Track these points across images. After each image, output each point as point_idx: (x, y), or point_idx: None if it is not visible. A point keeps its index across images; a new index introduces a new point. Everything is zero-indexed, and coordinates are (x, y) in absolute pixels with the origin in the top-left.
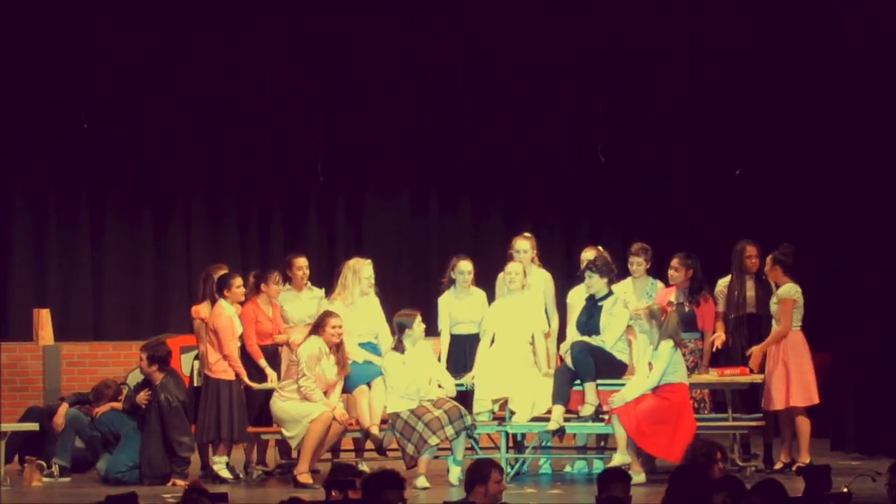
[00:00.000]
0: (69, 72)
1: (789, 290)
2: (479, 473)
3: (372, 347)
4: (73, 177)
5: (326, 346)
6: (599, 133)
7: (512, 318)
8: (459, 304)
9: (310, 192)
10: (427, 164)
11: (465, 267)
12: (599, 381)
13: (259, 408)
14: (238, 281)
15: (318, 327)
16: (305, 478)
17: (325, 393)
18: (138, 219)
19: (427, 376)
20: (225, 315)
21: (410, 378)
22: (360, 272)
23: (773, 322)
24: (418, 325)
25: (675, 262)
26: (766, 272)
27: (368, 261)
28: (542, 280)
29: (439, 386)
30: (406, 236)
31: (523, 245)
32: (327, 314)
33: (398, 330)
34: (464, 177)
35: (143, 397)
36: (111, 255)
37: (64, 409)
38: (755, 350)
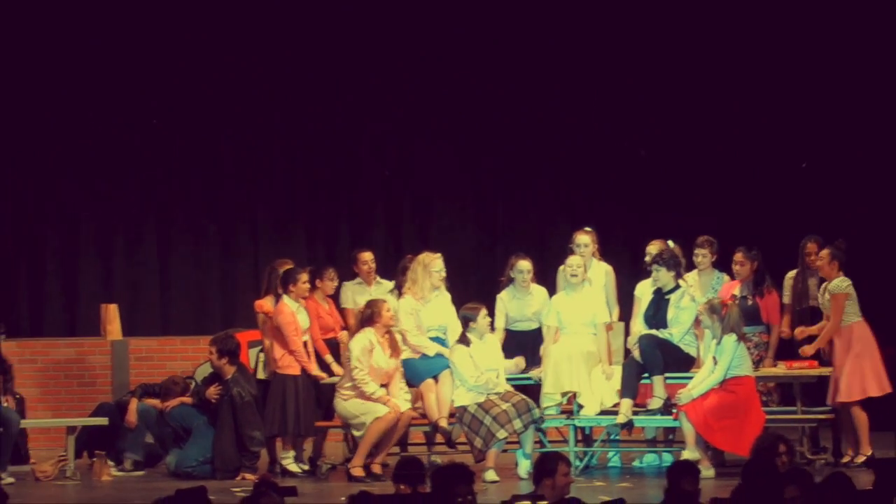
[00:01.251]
0: (139, 71)
1: (840, 285)
2: (547, 467)
3: (440, 342)
4: (141, 173)
5: (378, 335)
6: (641, 126)
7: (575, 311)
8: (517, 303)
9: (377, 189)
10: (491, 160)
11: (523, 266)
12: (667, 375)
13: (327, 402)
14: (304, 276)
15: (370, 319)
16: (358, 471)
17: (386, 385)
18: (205, 214)
19: (495, 369)
20: (287, 311)
21: (479, 371)
22: (430, 266)
23: (824, 317)
24: (483, 319)
25: (738, 256)
26: (819, 265)
27: (438, 255)
28: (603, 273)
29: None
30: (471, 234)
31: (584, 239)
32: (374, 303)
33: (462, 323)
34: (528, 173)
35: (213, 392)
36: (178, 251)
37: (135, 405)
38: (807, 349)
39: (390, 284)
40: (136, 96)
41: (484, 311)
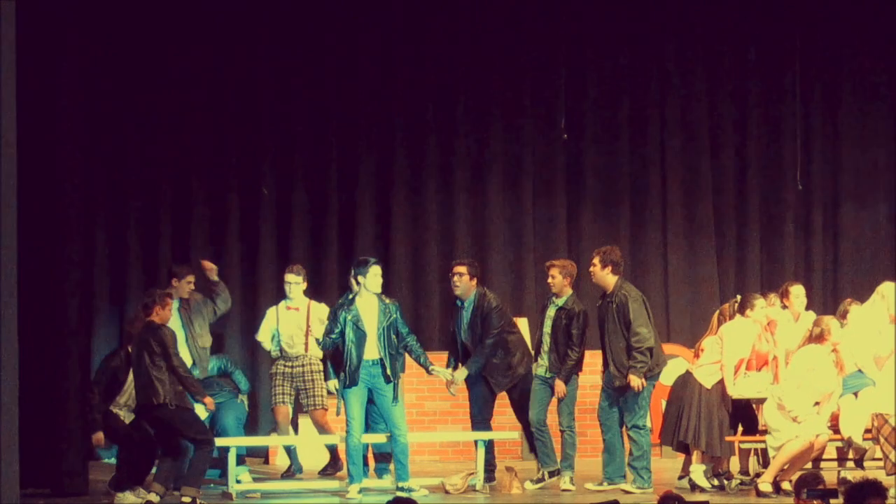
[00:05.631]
0: None
1: None
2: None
3: None
4: None
5: (825, 354)
6: None
7: None
8: None
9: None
10: None
11: None
12: None
13: (740, 417)
14: (761, 302)
15: (819, 337)
16: (765, 487)
17: (818, 403)
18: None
19: None
20: (736, 328)
21: None
22: (888, 297)
23: None
24: None
25: None
26: None
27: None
28: None
29: None
30: None
31: None
32: (823, 321)
33: None
34: None
35: None
36: None
37: None
38: None
39: (812, 315)
40: None
41: None
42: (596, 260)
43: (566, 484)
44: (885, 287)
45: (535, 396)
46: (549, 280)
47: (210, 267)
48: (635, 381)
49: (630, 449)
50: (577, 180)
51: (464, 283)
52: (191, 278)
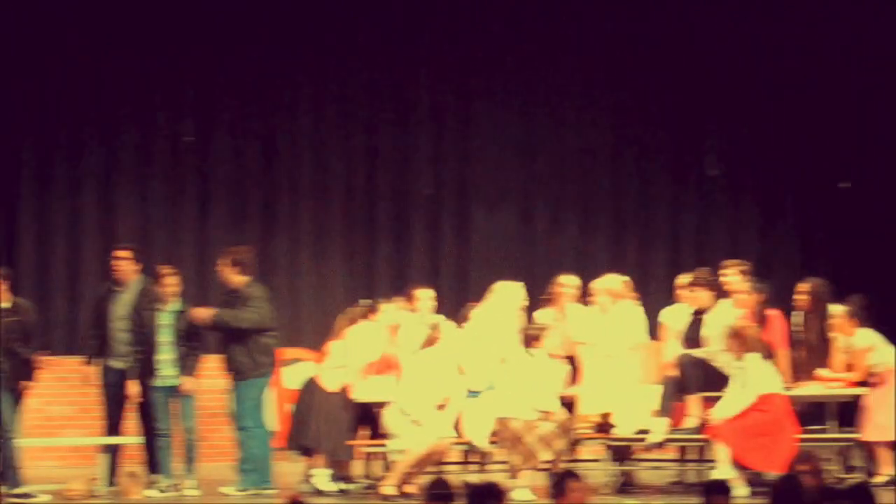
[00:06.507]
0: None
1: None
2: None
3: None
4: None
5: (440, 357)
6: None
7: (610, 331)
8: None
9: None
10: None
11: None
12: (704, 394)
13: (364, 421)
14: (388, 306)
15: (432, 340)
16: (389, 490)
17: (440, 406)
18: None
19: (548, 388)
20: (362, 332)
21: (533, 388)
22: (502, 295)
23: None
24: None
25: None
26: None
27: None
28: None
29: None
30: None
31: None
32: (436, 326)
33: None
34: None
35: None
36: None
37: None
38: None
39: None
40: None
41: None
42: (225, 259)
43: (189, 489)
44: (498, 286)
45: (165, 404)
46: (167, 288)
47: None
48: (200, 312)
49: (239, 451)
50: (203, 182)
51: (124, 267)
52: None
